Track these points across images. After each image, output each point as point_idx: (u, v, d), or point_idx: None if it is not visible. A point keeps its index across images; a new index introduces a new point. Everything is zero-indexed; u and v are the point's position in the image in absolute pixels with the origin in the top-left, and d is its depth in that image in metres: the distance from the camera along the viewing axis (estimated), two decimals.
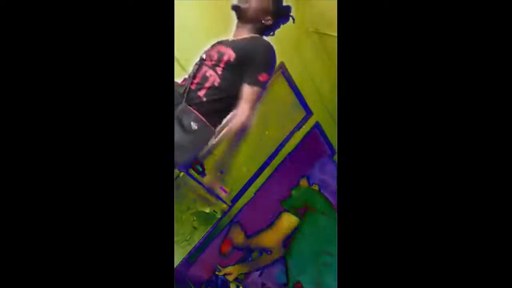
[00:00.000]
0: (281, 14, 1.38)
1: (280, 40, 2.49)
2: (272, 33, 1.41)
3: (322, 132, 3.26)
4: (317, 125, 3.13)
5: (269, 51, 1.26)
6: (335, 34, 2.48)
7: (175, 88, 1.26)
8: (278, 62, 2.60)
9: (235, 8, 1.31)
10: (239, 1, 1.31)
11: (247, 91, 1.20)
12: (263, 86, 1.22)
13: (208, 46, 1.36)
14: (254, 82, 1.20)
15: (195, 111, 1.18)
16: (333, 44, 2.72)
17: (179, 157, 1.12)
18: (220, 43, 1.31)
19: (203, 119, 1.19)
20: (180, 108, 1.17)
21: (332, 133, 3.27)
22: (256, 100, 1.22)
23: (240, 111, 1.19)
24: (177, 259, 2.57)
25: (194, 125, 1.16)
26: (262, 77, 1.21)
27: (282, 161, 2.91)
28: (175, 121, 1.14)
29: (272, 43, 1.30)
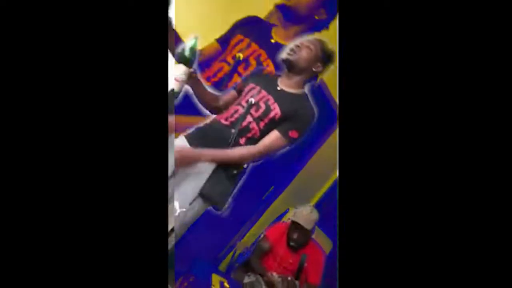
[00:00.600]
0: (329, 58, 1.40)
1: None
2: (319, 79, 1.47)
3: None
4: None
5: (312, 119, 1.37)
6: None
7: (219, 126, 1.35)
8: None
9: (285, 61, 1.37)
10: (288, 53, 1.35)
11: (273, 136, 1.31)
12: (290, 141, 1.33)
13: (253, 81, 1.42)
14: (284, 134, 1.31)
15: None
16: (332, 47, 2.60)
17: (222, 200, 1.32)
18: (267, 88, 1.36)
19: (242, 165, 1.34)
20: None
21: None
22: (276, 148, 1.34)
23: (256, 145, 1.31)
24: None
25: (235, 171, 1.31)
26: (292, 133, 1.31)
27: None
28: (221, 168, 1.28)
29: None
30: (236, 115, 1.32)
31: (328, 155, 2.92)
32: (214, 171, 1.25)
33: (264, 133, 1.31)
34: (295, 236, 2.12)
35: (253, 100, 1.31)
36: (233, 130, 1.29)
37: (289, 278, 1.97)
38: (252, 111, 1.31)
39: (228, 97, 1.46)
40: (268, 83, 1.39)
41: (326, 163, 2.94)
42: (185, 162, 1.24)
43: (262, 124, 1.30)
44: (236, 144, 1.28)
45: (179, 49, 1.24)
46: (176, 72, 1.23)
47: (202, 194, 1.24)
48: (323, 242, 2.39)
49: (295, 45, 1.36)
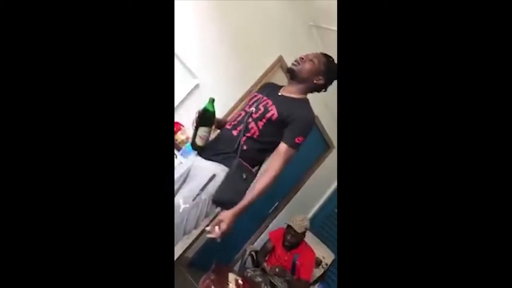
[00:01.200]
0: (334, 72, 1.46)
1: (278, 33, 2.64)
2: (324, 89, 1.49)
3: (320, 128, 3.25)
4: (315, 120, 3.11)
5: (311, 120, 1.39)
6: (335, 28, 2.47)
7: (225, 133, 1.44)
8: (276, 56, 2.72)
9: (290, 70, 1.45)
10: (293, 63, 1.43)
11: (283, 149, 1.33)
12: (297, 147, 1.36)
13: (256, 92, 1.53)
14: (291, 143, 1.33)
15: (245, 163, 1.35)
16: (332, 38, 2.65)
17: (232, 201, 1.32)
18: (269, 94, 1.44)
19: (250, 168, 1.38)
20: (236, 163, 1.34)
21: (330, 127, 3.27)
22: (289, 159, 1.35)
23: (272, 166, 1.34)
24: (177, 252, 2.58)
25: (244, 175, 1.35)
26: (298, 140, 1.34)
27: None
28: (231, 173, 1.33)
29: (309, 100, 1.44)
30: (239, 119, 1.41)
31: (322, 177, 3.44)
32: (226, 177, 1.31)
33: (263, 133, 1.35)
34: (289, 237, 2.63)
35: (253, 109, 1.39)
36: (234, 133, 1.38)
37: (277, 270, 2.44)
38: (252, 114, 1.38)
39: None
40: (271, 91, 1.47)
41: (319, 183, 3.46)
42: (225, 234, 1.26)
43: (261, 124, 1.35)
44: (239, 146, 1.34)
45: (199, 112, 1.40)
46: (200, 133, 1.40)
47: (214, 201, 1.31)
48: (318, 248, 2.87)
49: (300, 57, 1.43)
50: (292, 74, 1.44)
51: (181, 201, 1.28)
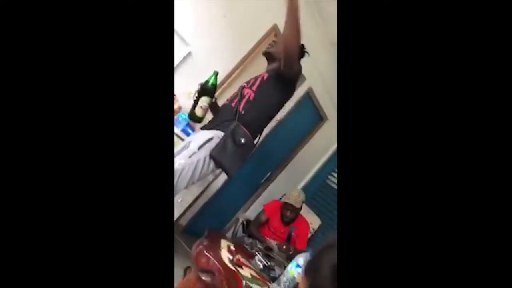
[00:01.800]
0: (302, 52, 1.61)
1: (272, 2, 2.53)
2: None
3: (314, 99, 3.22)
4: (309, 92, 3.11)
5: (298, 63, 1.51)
6: None
7: (226, 106, 1.52)
8: (271, 24, 2.66)
9: (266, 53, 1.65)
10: (267, 47, 1.66)
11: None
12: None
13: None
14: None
15: (243, 128, 1.41)
16: (329, 8, 2.70)
17: (231, 165, 1.39)
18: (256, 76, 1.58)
19: (248, 134, 1.42)
20: (234, 125, 1.40)
21: (324, 99, 3.25)
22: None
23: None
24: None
25: (242, 140, 1.40)
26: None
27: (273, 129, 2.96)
28: (229, 135, 1.38)
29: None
30: (234, 94, 1.54)
31: (314, 147, 3.46)
32: (223, 137, 1.36)
33: (258, 94, 1.45)
34: (288, 213, 2.61)
35: (245, 84, 1.52)
36: (232, 104, 1.47)
37: (284, 247, 2.40)
38: (245, 85, 1.51)
39: None
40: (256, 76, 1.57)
41: (312, 154, 3.49)
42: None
43: (254, 87, 1.47)
44: (237, 111, 1.42)
45: (202, 83, 1.47)
46: (201, 103, 1.46)
47: (212, 157, 1.35)
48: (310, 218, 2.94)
49: (273, 40, 1.69)
50: (268, 57, 1.62)
51: (176, 158, 1.32)
